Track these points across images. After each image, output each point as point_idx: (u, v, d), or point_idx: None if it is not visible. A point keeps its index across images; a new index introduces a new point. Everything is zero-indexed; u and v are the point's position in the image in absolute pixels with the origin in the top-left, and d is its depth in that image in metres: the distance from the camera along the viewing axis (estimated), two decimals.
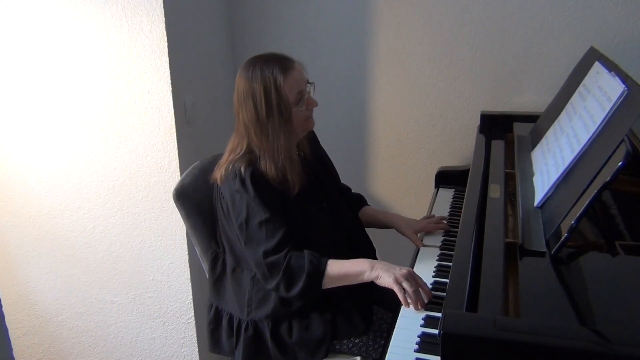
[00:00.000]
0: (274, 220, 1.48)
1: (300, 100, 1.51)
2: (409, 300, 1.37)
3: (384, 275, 1.43)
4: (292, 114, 1.50)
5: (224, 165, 1.53)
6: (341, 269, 1.47)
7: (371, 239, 1.78)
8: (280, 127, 1.49)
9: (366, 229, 1.81)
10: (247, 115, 1.50)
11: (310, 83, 1.55)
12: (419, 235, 1.72)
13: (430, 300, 1.39)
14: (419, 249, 1.68)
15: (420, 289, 1.40)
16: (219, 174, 1.54)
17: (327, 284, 1.47)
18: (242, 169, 1.48)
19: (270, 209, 1.48)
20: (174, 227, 2.07)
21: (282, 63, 1.49)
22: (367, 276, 1.46)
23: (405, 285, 1.38)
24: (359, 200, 1.87)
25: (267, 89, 1.47)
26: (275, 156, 1.49)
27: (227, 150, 1.57)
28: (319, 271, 1.45)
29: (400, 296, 1.38)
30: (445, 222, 1.78)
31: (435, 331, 1.25)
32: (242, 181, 1.48)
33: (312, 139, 1.71)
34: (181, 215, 1.71)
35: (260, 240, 1.47)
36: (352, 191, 1.88)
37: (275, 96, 1.47)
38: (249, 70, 1.49)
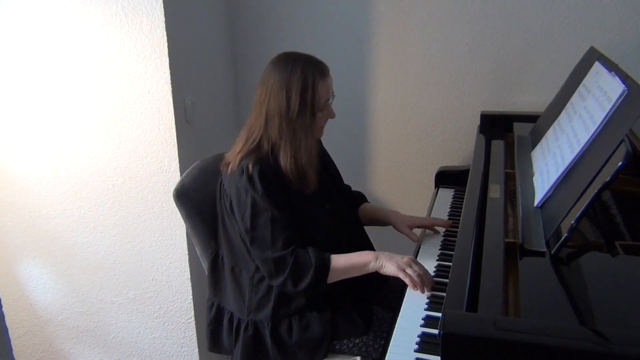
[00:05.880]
0: (281, 219, 1.48)
1: (325, 108, 1.55)
2: (416, 285, 1.43)
3: (387, 264, 1.48)
4: (317, 117, 1.54)
5: (238, 154, 1.52)
6: (346, 262, 1.51)
7: (371, 239, 1.78)
8: (309, 126, 1.52)
9: (366, 228, 1.81)
10: (276, 105, 1.50)
11: (333, 95, 1.58)
12: (414, 230, 1.74)
13: (434, 286, 1.45)
14: (419, 249, 1.68)
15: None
16: (232, 161, 1.53)
17: (332, 278, 1.49)
18: (250, 167, 1.48)
19: (277, 208, 1.48)
20: (174, 227, 2.07)
21: (321, 67, 1.54)
22: (372, 266, 1.50)
23: (409, 271, 1.44)
24: (359, 198, 1.88)
25: (305, 87, 1.50)
26: (298, 153, 1.51)
27: (242, 135, 1.56)
28: (325, 265, 1.48)
29: (407, 281, 1.44)
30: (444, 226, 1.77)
31: (435, 331, 1.26)
32: (250, 178, 1.48)
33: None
34: (181, 215, 1.71)
35: (267, 238, 1.48)
36: (352, 189, 1.89)
37: (310, 96, 1.50)
38: (288, 64, 1.51)
